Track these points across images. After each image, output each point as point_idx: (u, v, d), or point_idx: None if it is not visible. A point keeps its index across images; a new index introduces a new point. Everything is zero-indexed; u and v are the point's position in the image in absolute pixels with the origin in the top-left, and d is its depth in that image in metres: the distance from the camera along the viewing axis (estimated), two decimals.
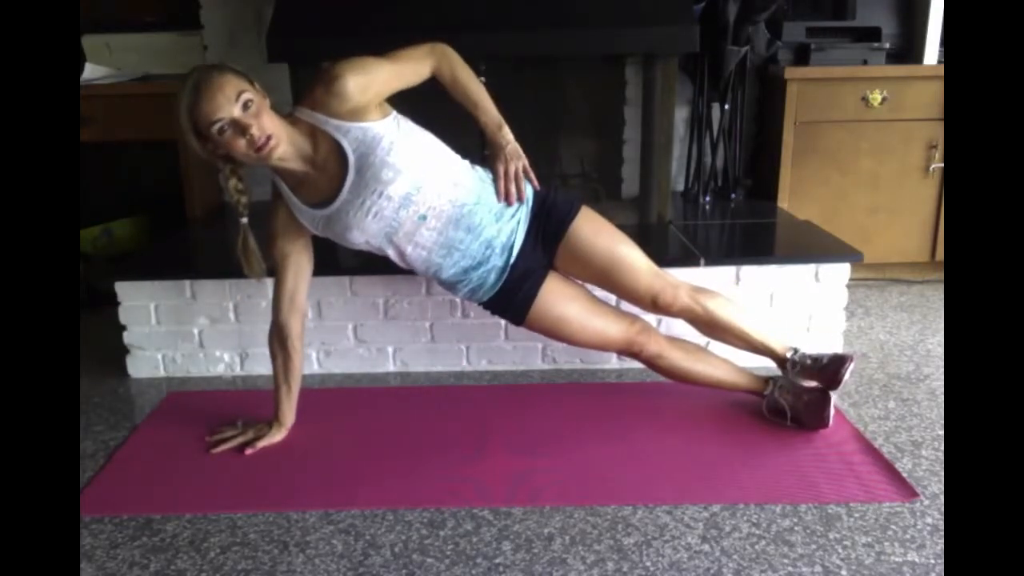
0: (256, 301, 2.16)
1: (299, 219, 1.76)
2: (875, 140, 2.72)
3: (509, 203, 1.81)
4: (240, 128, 1.57)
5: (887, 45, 2.76)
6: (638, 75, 2.70)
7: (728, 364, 1.95)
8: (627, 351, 1.91)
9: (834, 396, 1.82)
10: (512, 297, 1.83)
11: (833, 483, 1.65)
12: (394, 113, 1.73)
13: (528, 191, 1.84)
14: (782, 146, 2.73)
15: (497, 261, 1.80)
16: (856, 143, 2.73)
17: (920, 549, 1.45)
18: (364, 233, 1.73)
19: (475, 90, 1.79)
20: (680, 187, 2.96)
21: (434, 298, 2.17)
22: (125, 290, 2.18)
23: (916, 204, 2.78)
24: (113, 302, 2.19)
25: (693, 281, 1.94)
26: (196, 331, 2.21)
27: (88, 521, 1.58)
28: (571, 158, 2.97)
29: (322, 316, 2.19)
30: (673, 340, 1.94)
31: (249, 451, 1.80)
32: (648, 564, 1.42)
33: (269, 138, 1.59)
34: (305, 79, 2.19)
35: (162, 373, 2.25)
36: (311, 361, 2.22)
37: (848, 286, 2.19)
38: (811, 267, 2.16)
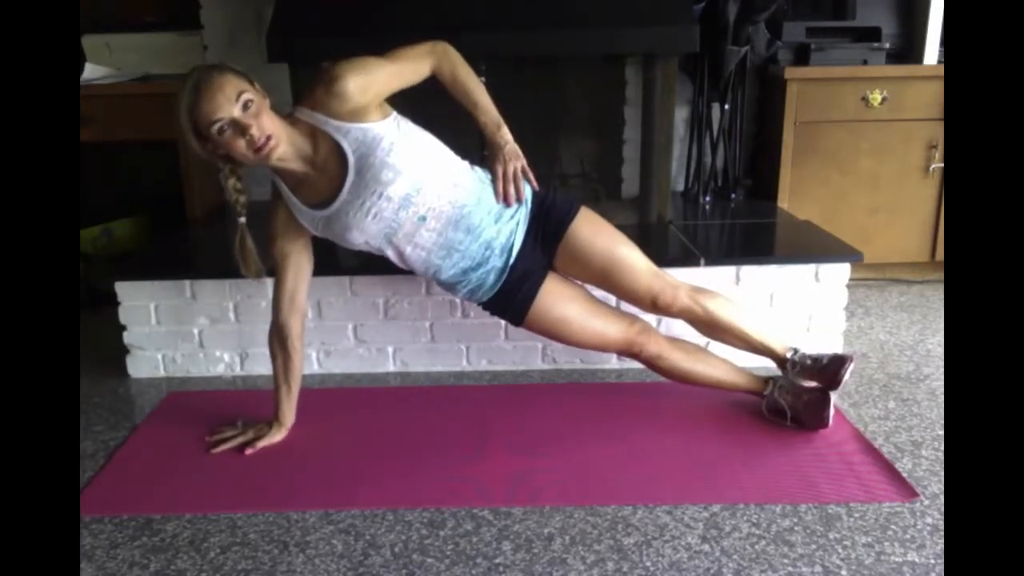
0: (256, 301, 2.16)
1: (299, 219, 1.76)
2: (875, 140, 2.72)
3: (508, 204, 1.80)
4: (240, 128, 1.57)
5: (887, 45, 2.76)
6: (638, 75, 2.70)
7: (728, 364, 1.95)
8: (627, 351, 1.91)
9: (834, 396, 1.82)
10: (511, 298, 1.83)
11: (833, 483, 1.65)
12: (394, 114, 1.73)
13: (527, 192, 1.84)
14: (782, 146, 2.73)
15: (496, 262, 1.80)
16: (856, 143, 2.73)
17: (920, 549, 1.45)
18: (364, 234, 1.73)
19: (475, 89, 1.79)
20: (680, 187, 2.96)
21: (434, 298, 2.17)
22: (125, 290, 2.18)
23: (916, 204, 2.78)
24: (113, 302, 2.19)
25: (693, 281, 1.94)
26: (196, 331, 2.21)
27: (88, 521, 1.58)
28: (571, 158, 2.97)
29: (322, 316, 2.19)
30: (673, 340, 1.94)
31: (249, 451, 1.80)
32: (648, 564, 1.42)
33: (269, 138, 1.59)
34: (305, 79, 2.19)
35: (162, 373, 2.25)
36: (311, 361, 2.22)
37: (848, 286, 2.19)
38: (811, 267, 2.16)
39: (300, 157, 1.67)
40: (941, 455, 1.75)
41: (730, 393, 1.96)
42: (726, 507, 1.58)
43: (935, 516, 1.54)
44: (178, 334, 2.21)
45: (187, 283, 2.17)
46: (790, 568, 1.41)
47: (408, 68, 1.74)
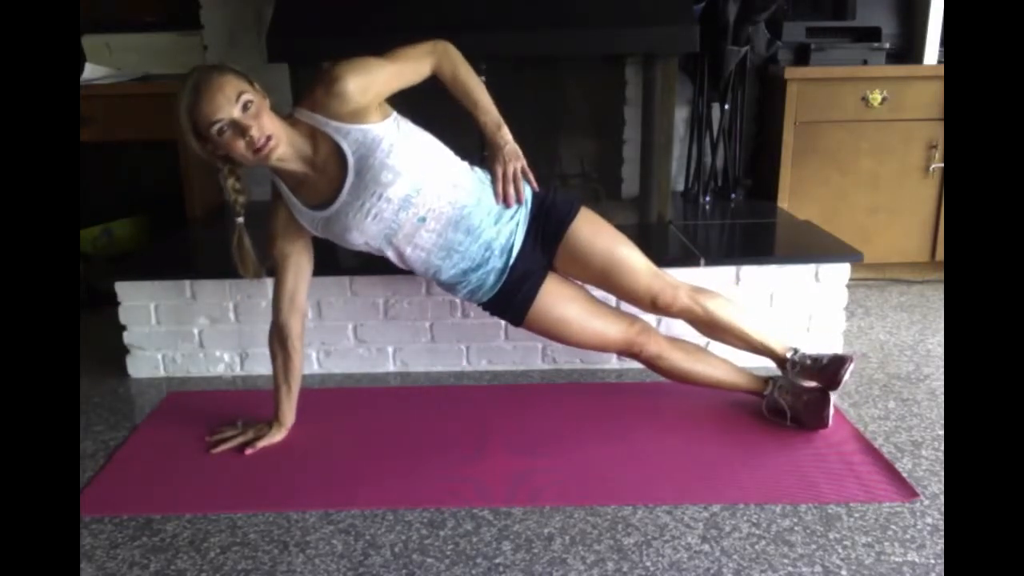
0: (256, 301, 2.16)
1: (299, 220, 1.76)
2: (875, 140, 2.72)
3: (507, 205, 1.80)
4: (240, 129, 1.57)
5: (887, 45, 2.76)
6: (638, 75, 2.70)
7: (728, 364, 1.95)
8: (627, 352, 1.91)
9: (834, 396, 1.82)
10: (511, 298, 1.83)
11: (833, 483, 1.65)
12: (394, 114, 1.73)
13: (527, 192, 1.84)
14: (782, 146, 2.73)
15: (496, 263, 1.80)
16: (856, 143, 2.73)
17: (920, 549, 1.45)
18: (363, 235, 1.73)
19: (475, 89, 1.78)
20: (680, 187, 2.96)
21: (434, 298, 2.17)
22: (125, 290, 2.18)
23: (916, 204, 2.78)
24: (113, 302, 2.19)
25: (693, 281, 1.94)
26: (196, 331, 2.21)
27: (88, 521, 1.58)
28: (571, 158, 2.97)
29: (322, 316, 2.19)
30: (673, 340, 1.94)
31: (249, 451, 1.80)
32: (648, 564, 1.42)
33: (268, 139, 1.59)
34: (305, 79, 2.19)
35: (162, 373, 2.25)
36: (311, 361, 2.22)
37: (848, 286, 2.19)
38: (811, 267, 2.16)
39: (300, 158, 1.67)
40: (941, 455, 1.75)
41: (730, 393, 1.96)
42: (726, 507, 1.58)
43: (935, 516, 1.54)
44: (178, 334, 2.21)
45: (187, 283, 2.17)
46: (790, 568, 1.41)
47: (408, 68, 1.73)
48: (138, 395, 2.15)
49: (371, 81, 1.66)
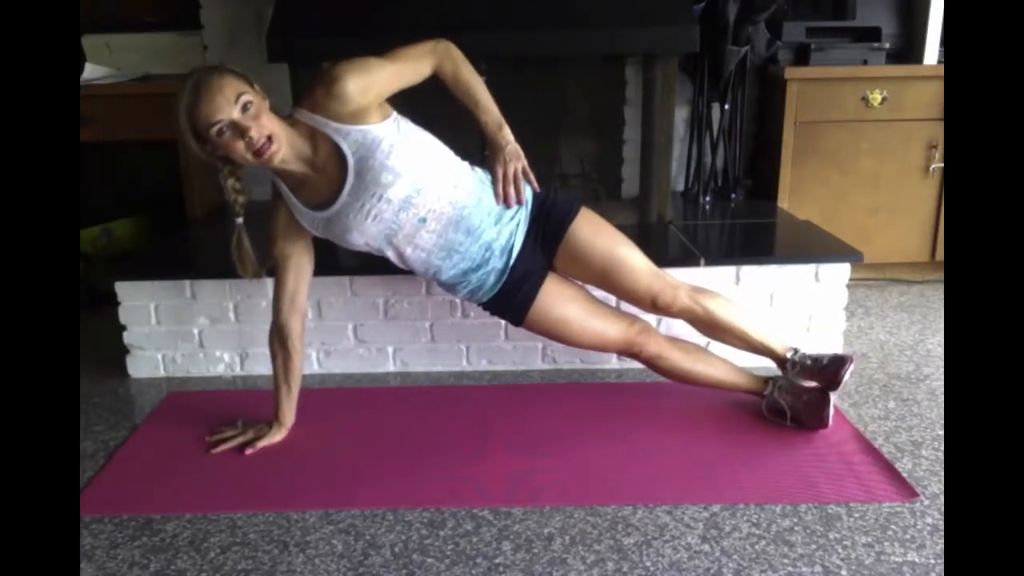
0: (256, 301, 2.16)
1: (299, 220, 1.76)
2: (875, 140, 2.72)
3: (508, 205, 1.80)
4: (239, 130, 1.56)
5: (887, 45, 2.76)
6: (638, 75, 2.70)
7: (728, 364, 1.95)
8: (627, 352, 1.91)
9: (834, 396, 1.82)
10: (511, 298, 1.83)
11: (833, 483, 1.65)
12: (394, 114, 1.73)
13: (527, 193, 1.84)
14: (782, 146, 2.73)
15: (496, 263, 1.80)
16: (856, 143, 2.73)
17: (920, 549, 1.45)
18: (364, 235, 1.73)
19: (477, 89, 1.78)
20: (680, 187, 2.96)
21: (434, 298, 2.17)
22: (125, 290, 2.18)
23: (916, 204, 2.78)
24: (113, 302, 2.19)
25: (693, 281, 1.94)
26: (196, 331, 2.21)
27: (88, 521, 1.58)
28: (571, 158, 2.97)
29: (322, 316, 2.19)
30: (673, 340, 1.94)
31: (249, 451, 1.80)
32: (648, 564, 1.42)
33: (268, 140, 1.59)
34: (305, 79, 2.19)
35: (162, 373, 2.25)
36: (311, 361, 2.22)
37: (848, 286, 2.19)
38: (811, 267, 2.16)
39: (300, 159, 1.67)
40: (941, 455, 1.75)
41: (730, 393, 1.96)
42: (726, 507, 1.58)
43: (935, 516, 1.54)
44: (178, 334, 2.21)
45: (187, 283, 2.17)
46: (790, 568, 1.41)
47: (409, 68, 1.73)
48: (138, 395, 2.15)
49: (371, 82, 1.66)
